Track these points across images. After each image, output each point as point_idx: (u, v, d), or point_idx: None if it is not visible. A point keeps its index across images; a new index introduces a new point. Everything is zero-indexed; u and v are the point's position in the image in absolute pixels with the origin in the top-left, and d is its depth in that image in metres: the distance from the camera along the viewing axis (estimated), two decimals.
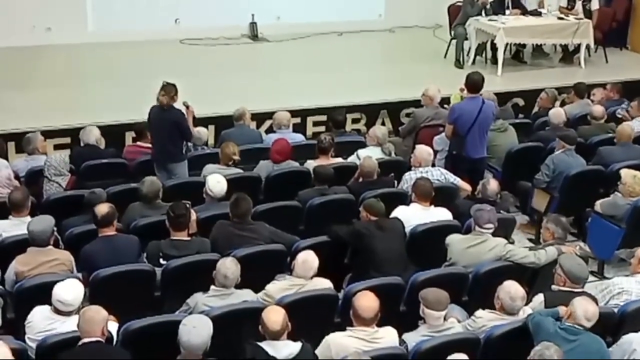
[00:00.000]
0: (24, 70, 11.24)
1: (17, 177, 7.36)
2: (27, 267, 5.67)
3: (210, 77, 11.23)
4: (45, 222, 5.86)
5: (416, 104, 9.62)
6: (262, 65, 12.55)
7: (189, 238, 6.12)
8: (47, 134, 8.59)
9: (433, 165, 7.69)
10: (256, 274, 5.70)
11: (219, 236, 6.23)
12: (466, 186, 7.53)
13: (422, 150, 7.64)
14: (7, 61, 11.26)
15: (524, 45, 12.58)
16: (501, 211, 6.96)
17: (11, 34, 11.82)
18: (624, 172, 7.31)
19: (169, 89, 7.62)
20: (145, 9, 12.91)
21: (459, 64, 12.24)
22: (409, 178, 7.36)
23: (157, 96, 7.64)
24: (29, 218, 6.19)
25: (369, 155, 7.60)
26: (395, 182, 7.64)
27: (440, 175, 7.48)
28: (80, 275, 5.74)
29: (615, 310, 5.60)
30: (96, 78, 11.17)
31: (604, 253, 7.51)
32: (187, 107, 7.93)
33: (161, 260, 5.96)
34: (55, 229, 5.92)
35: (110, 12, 12.78)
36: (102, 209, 6.00)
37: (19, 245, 5.89)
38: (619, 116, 9.22)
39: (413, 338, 5.19)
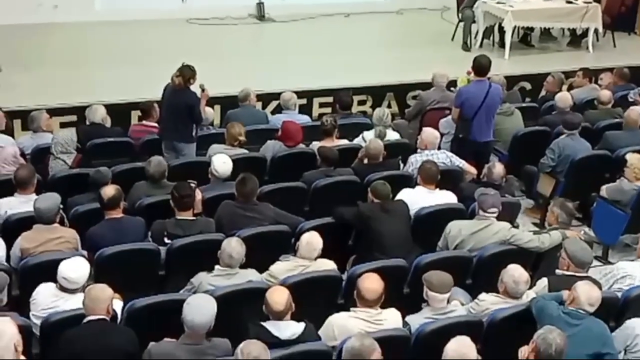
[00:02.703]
0: (30, 48, 11.21)
1: (22, 154, 7.37)
2: (32, 244, 5.69)
3: (217, 57, 11.20)
4: (52, 199, 5.88)
5: (423, 86, 9.60)
6: (268, 45, 12.52)
7: (194, 218, 6.14)
8: (53, 112, 8.60)
9: (439, 148, 7.68)
10: (261, 254, 5.72)
11: (224, 216, 6.25)
12: (472, 169, 7.53)
13: (429, 133, 7.64)
14: (13, 39, 11.23)
15: (531, 29, 12.53)
16: (506, 195, 6.96)
17: (17, 12, 11.79)
18: (631, 156, 7.30)
19: (185, 72, 7.59)
20: None
21: (466, 46, 12.19)
22: (414, 160, 7.35)
23: (171, 76, 7.63)
24: (34, 195, 6.21)
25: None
26: (401, 164, 7.63)
27: (445, 158, 7.47)
28: (85, 253, 5.77)
29: (619, 294, 5.61)
30: (102, 56, 11.15)
31: (608, 238, 7.51)
32: (203, 90, 7.91)
33: (166, 240, 5.98)
34: (61, 206, 5.93)
35: None
36: (109, 191, 6.00)
37: (24, 223, 5.91)
38: (631, 100, 9.16)
39: (416, 320, 5.21)
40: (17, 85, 9.59)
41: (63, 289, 5.08)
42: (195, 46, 11.53)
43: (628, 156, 7.33)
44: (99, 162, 7.01)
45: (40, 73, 10.31)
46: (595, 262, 6.22)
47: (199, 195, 6.33)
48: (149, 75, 8.52)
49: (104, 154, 7.44)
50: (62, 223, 5.97)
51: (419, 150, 7.58)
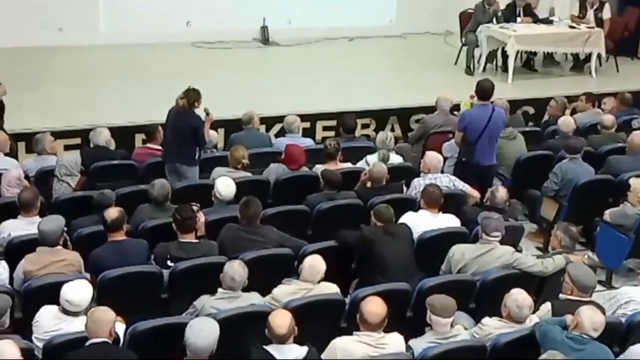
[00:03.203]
0: (35, 71, 11.28)
1: (26, 176, 7.38)
2: (35, 266, 5.69)
3: (221, 80, 11.25)
4: (56, 221, 5.89)
5: (426, 110, 9.63)
6: (272, 69, 12.58)
7: (196, 240, 6.13)
8: (57, 135, 8.61)
9: (442, 172, 7.68)
10: (264, 277, 5.71)
11: (227, 239, 6.24)
12: (475, 193, 7.53)
13: (432, 157, 7.65)
14: (18, 61, 11.30)
15: (535, 53, 12.59)
16: (509, 219, 6.95)
17: (22, 34, 11.87)
18: (634, 181, 7.30)
19: (190, 94, 7.65)
20: (157, 11, 12.94)
21: (469, 71, 12.24)
22: (417, 184, 7.36)
23: (176, 98, 7.66)
24: (38, 218, 6.22)
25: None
26: (404, 188, 7.63)
27: (449, 181, 7.47)
28: (88, 275, 5.76)
29: (623, 320, 5.58)
30: (107, 79, 11.21)
31: (612, 262, 7.49)
32: (208, 114, 7.95)
33: (169, 262, 5.97)
34: (65, 229, 5.94)
35: (122, 13, 12.82)
36: (112, 213, 6.01)
37: (28, 245, 5.91)
38: (635, 126, 9.14)
39: (419, 344, 5.19)
40: (21, 108, 9.63)
41: (66, 311, 5.07)
42: (199, 69, 11.60)
43: (631, 181, 7.33)
44: (103, 184, 7.04)
45: (45, 95, 10.37)
46: (598, 287, 6.19)
47: (202, 218, 6.33)
48: (153, 98, 8.57)
49: (107, 177, 7.45)
50: (65, 245, 5.97)
51: (422, 174, 7.58)
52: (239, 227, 6.28)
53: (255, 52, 13.21)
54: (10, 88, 8.84)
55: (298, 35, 13.44)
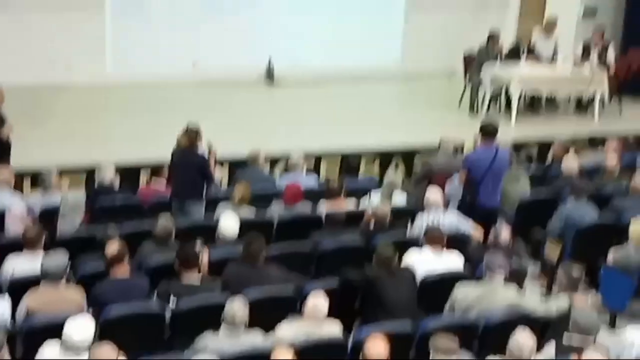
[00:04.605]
0: (42, 108, 11.38)
1: (31, 213, 7.41)
2: (38, 303, 5.69)
3: (226, 118, 11.33)
4: (59, 258, 5.90)
5: (430, 150, 9.66)
6: (277, 108, 12.65)
7: (199, 279, 6.13)
8: (63, 172, 8.66)
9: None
10: (267, 316, 5.70)
11: (230, 277, 6.24)
12: (478, 233, 7.52)
13: (434, 192, 7.66)
14: (26, 98, 11.39)
15: (538, 95, 12.63)
16: (513, 259, 6.94)
17: (30, 72, 12.00)
18: (633, 225, 7.26)
19: (191, 134, 7.76)
20: (164, 50, 13.11)
21: (473, 111, 12.30)
22: (421, 219, 7.38)
23: (177, 138, 7.75)
24: (42, 254, 6.23)
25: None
26: (409, 225, 7.63)
27: (453, 217, 7.48)
28: (91, 311, 5.76)
29: None
30: (113, 118, 11.30)
31: (616, 304, 7.43)
32: (210, 149, 8.04)
33: (171, 300, 5.96)
34: (68, 266, 5.94)
35: (129, 53, 12.98)
36: (112, 248, 6.03)
37: (31, 281, 5.92)
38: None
39: None
40: (28, 144, 9.70)
41: (68, 348, 5.06)
42: (205, 107, 11.68)
43: (631, 225, 7.30)
44: (107, 223, 7.05)
45: (52, 132, 10.45)
46: (603, 329, 6.15)
47: (205, 256, 6.34)
48: (159, 137, 8.63)
49: (112, 215, 7.46)
50: (68, 282, 5.97)
51: (425, 210, 7.59)
52: (242, 265, 6.28)
53: (261, 91, 13.31)
54: (17, 125, 8.93)
55: (303, 74, 13.56)
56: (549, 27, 12.74)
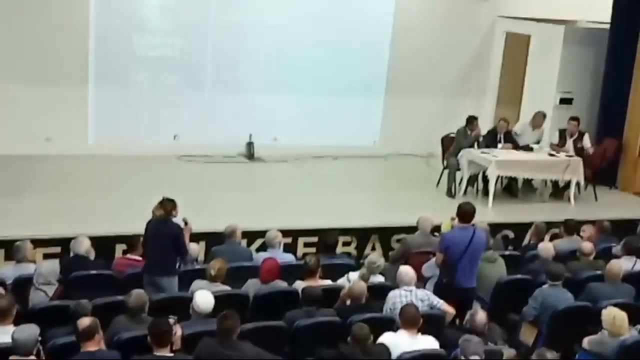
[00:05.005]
0: (20, 178, 11.35)
1: (3, 284, 7.31)
2: None
3: (205, 193, 11.35)
4: (30, 331, 5.79)
5: (407, 230, 9.70)
6: (256, 184, 12.73)
7: (171, 354, 6.03)
8: (38, 243, 8.59)
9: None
10: None
11: (203, 353, 6.15)
12: (450, 309, 7.50)
13: (406, 270, 7.64)
14: (4, 169, 11.37)
15: (515, 179, 12.78)
16: (489, 343, 6.91)
17: (11, 143, 12.01)
18: (604, 313, 7.25)
19: (166, 205, 7.76)
20: (146, 124, 13.23)
21: (450, 193, 12.41)
22: (392, 295, 7.38)
23: (152, 209, 7.73)
24: (12, 327, 6.11)
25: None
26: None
27: (424, 295, 7.47)
28: None
29: None
30: (92, 189, 11.28)
31: None
32: (186, 223, 8.02)
33: None
34: (39, 338, 5.84)
35: (111, 125, 13.07)
36: (84, 322, 5.94)
37: (0, 354, 5.80)
38: (615, 254, 9.20)
39: None
40: (3, 215, 9.64)
41: None
42: (184, 182, 11.74)
43: (603, 312, 7.30)
44: (81, 294, 6.96)
45: (28, 203, 10.39)
46: None
47: (178, 331, 6.26)
48: (137, 209, 8.62)
49: (86, 287, 7.38)
50: (38, 356, 5.86)
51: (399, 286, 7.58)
52: (216, 342, 6.19)
53: (240, 167, 13.40)
54: None
55: (283, 152, 13.69)
56: (538, 121, 12.93)
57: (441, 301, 7.52)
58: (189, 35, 13.53)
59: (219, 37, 13.62)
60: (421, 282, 8.06)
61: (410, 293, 7.37)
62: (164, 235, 7.74)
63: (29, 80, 12.37)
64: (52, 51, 12.45)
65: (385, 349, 6.36)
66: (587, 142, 12.89)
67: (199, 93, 13.66)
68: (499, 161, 12.01)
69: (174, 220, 7.90)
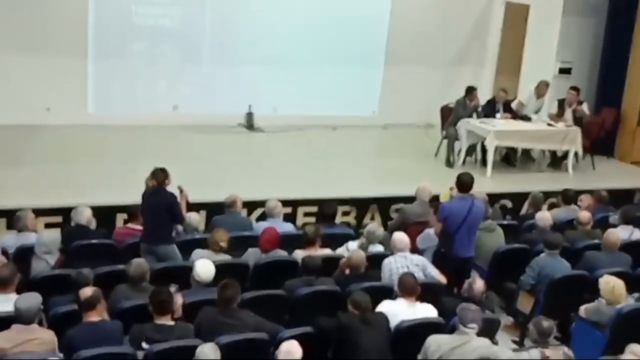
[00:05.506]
0: (20, 148, 11.36)
1: (5, 253, 7.37)
2: (9, 344, 5.63)
3: (205, 163, 11.38)
4: (32, 299, 5.86)
5: (406, 200, 9.75)
6: (256, 154, 12.75)
7: (172, 322, 6.11)
8: (39, 212, 8.62)
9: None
10: None
11: (204, 322, 6.22)
12: (442, 279, 7.57)
13: (400, 237, 7.72)
14: (3, 139, 11.39)
15: (514, 149, 12.81)
16: (486, 311, 6.98)
17: (10, 113, 12.00)
18: (602, 281, 7.33)
19: (158, 175, 7.78)
20: (145, 94, 13.22)
21: (449, 163, 12.43)
22: (387, 262, 7.45)
23: (145, 180, 7.77)
24: (15, 295, 6.18)
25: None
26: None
27: (419, 260, 7.56)
28: (62, 355, 5.71)
29: None
30: (92, 159, 11.29)
31: (587, 358, 7.49)
32: (181, 191, 8.06)
33: (144, 344, 5.93)
34: (41, 307, 5.91)
35: (110, 95, 13.05)
36: (86, 292, 6.00)
37: (3, 322, 5.85)
38: (612, 223, 9.26)
39: None
40: (4, 185, 9.67)
41: None
42: (184, 152, 11.75)
43: (600, 280, 7.38)
44: (82, 263, 7.02)
45: (29, 173, 10.41)
46: None
47: (179, 299, 6.32)
48: (136, 179, 8.65)
49: (87, 256, 7.43)
50: (40, 324, 5.93)
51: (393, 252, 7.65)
52: (216, 310, 6.26)
53: (240, 138, 13.40)
54: None
55: (283, 122, 13.68)
56: (542, 90, 12.91)
57: (435, 270, 7.58)
58: (188, 5, 13.46)
59: (218, 6, 13.56)
60: (418, 251, 8.12)
61: (405, 259, 7.45)
62: (158, 205, 7.78)
63: (29, 50, 12.32)
64: (51, 21, 12.39)
65: (383, 317, 6.44)
66: (585, 112, 12.90)
67: (198, 63, 13.63)
68: (497, 131, 12.03)
69: (169, 189, 7.92)
